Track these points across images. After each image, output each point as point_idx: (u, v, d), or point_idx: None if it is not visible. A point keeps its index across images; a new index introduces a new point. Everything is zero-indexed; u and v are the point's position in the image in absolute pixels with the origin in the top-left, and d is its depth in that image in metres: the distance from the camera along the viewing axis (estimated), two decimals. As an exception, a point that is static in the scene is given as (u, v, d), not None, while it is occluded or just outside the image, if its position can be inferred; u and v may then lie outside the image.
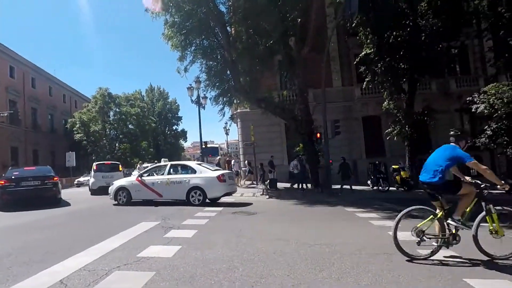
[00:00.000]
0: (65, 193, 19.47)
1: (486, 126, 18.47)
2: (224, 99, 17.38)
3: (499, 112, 17.79)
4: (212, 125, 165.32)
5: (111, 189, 11.87)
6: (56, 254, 5.05)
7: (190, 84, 19.89)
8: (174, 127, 65.93)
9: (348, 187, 15.12)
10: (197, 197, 10.77)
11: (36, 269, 4.29)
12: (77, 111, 43.04)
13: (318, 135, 15.59)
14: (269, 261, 4.50)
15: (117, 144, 46.38)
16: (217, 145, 41.23)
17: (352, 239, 5.79)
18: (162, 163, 15.65)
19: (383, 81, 18.12)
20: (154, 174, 11.80)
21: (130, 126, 48.79)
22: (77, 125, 40.46)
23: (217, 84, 17.15)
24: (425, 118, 17.45)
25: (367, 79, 18.52)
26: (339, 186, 14.83)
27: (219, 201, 11.66)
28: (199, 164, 12.24)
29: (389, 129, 18.02)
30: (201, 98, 21.06)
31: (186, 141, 60.47)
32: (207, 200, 11.03)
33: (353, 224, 7.42)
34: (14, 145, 33.29)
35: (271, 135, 22.40)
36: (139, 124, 48.97)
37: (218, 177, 10.87)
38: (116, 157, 44.50)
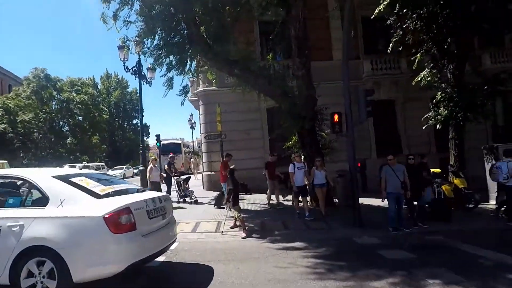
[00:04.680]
0: None
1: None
2: (171, 58, 10.21)
3: None
4: (180, 119, 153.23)
5: None
6: None
7: (122, 38, 12.13)
8: (134, 121, 57.61)
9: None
10: (40, 279, 3.60)
11: None
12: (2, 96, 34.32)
13: (336, 117, 8.68)
14: None
15: (66, 139, 38.10)
16: (179, 141, 33.64)
17: None
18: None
19: (420, 41, 11.92)
20: None
21: (79, 118, 40.48)
22: (-1, 113, 31.83)
23: (160, 32, 9.99)
24: (490, 96, 11.29)
25: (394, 39, 12.21)
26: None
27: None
28: (63, 179, 4.09)
29: (430, 113, 11.75)
30: (145, 69, 14.05)
31: (149, 137, 52.33)
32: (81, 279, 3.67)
33: None
34: None
35: (247, 124, 15.49)
36: (88, 115, 40.60)
37: (109, 219, 3.72)
38: (57, 155, 36.25)
